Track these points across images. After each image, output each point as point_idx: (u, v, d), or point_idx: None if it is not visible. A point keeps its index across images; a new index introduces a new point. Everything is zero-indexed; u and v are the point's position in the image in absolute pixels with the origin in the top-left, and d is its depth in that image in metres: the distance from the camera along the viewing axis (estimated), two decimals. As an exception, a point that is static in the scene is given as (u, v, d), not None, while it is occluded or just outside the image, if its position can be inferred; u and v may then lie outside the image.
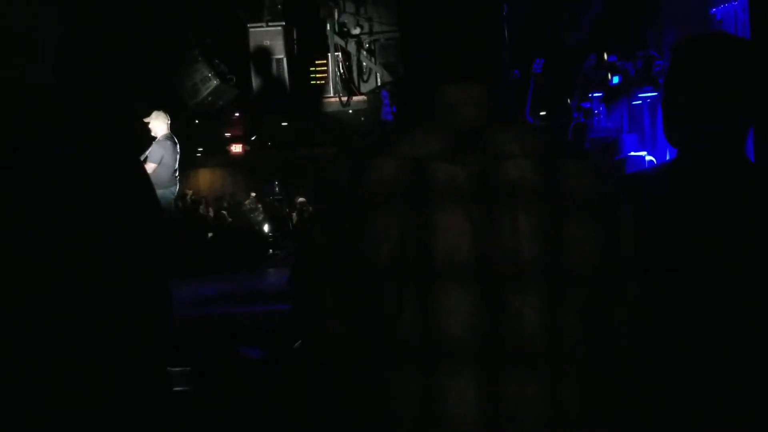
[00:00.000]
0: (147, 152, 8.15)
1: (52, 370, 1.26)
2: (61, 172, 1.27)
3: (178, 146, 8.51)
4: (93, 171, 1.30)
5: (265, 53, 10.13)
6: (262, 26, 10.17)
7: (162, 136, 8.36)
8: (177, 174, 8.56)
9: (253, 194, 15.66)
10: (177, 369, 3.95)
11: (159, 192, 7.09)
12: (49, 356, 1.26)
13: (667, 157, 6.46)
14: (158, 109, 8.58)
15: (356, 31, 10.55)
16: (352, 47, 10.64)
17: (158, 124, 8.38)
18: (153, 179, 6.44)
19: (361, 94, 10.69)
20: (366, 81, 10.74)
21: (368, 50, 10.64)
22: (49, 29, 1.38)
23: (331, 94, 10.65)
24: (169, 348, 1.47)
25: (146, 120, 8.41)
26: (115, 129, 1.36)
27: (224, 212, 14.19)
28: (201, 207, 14.59)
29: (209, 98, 10.34)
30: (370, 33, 10.58)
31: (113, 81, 8.42)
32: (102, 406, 1.31)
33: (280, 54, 10.19)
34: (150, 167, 7.94)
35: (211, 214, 14.43)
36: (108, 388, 1.31)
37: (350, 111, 10.94)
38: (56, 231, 1.25)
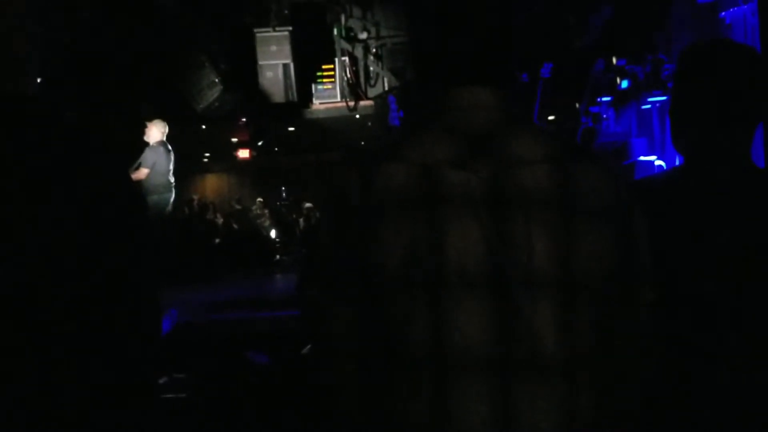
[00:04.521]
0: (141, 158, 8.30)
1: (35, 380, 1.25)
2: (29, 182, 1.26)
3: (171, 154, 8.66)
4: (70, 181, 1.28)
5: (271, 58, 10.14)
6: (268, 31, 10.17)
7: (155, 143, 8.51)
8: (173, 181, 8.66)
9: (260, 200, 15.69)
10: (184, 375, 3.95)
11: (153, 198, 7.25)
12: (32, 368, 1.25)
13: (677, 162, 6.44)
14: (162, 115, 8.69)
15: (363, 35, 10.55)
16: (359, 52, 10.64)
17: (154, 131, 8.54)
18: (147, 185, 6.52)
19: (369, 98, 10.69)
20: (373, 86, 10.73)
21: (375, 55, 10.64)
22: (33, 37, 1.37)
23: (338, 99, 10.65)
24: (157, 357, 1.46)
25: (148, 123, 8.55)
26: (100, 136, 1.35)
27: (231, 218, 14.23)
28: (209, 212, 14.61)
29: (216, 103, 10.37)
30: (377, 37, 10.58)
31: (118, 85, 8.47)
32: (87, 414, 1.30)
33: (286, 59, 10.19)
34: (143, 172, 8.18)
35: (219, 219, 14.45)
36: (92, 397, 1.30)
37: (357, 116, 10.94)
38: (35, 240, 1.24)
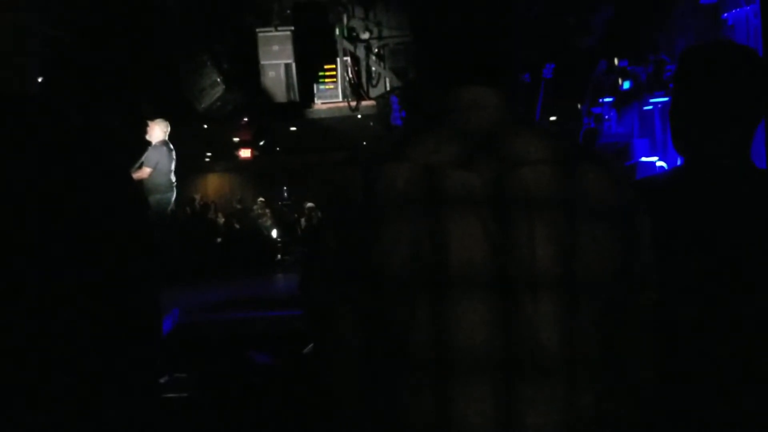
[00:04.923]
0: (143, 157, 8.32)
1: (36, 381, 1.25)
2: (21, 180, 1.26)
3: (173, 153, 8.69)
4: (71, 181, 1.29)
5: (274, 58, 10.15)
6: (270, 31, 10.18)
7: (157, 142, 8.55)
8: (174, 180, 8.68)
9: (261, 199, 15.69)
10: (185, 374, 3.95)
11: (156, 197, 7.29)
12: (33, 369, 1.25)
13: (678, 163, 6.44)
14: (163, 114, 8.71)
15: (365, 35, 10.56)
16: (361, 52, 10.65)
17: (156, 131, 8.56)
18: (149, 184, 6.55)
19: (370, 98, 10.70)
20: (375, 86, 10.74)
21: (377, 55, 10.65)
22: (33, 37, 1.37)
23: (340, 99, 10.66)
24: (158, 356, 1.46)
25: (150, 122, 8.58)
26: (101, 135, 1.36)
27: (232, 218, 14.23)
28: (210, 212, 14.62)
29: (218, 103, 10.38)
30: (379, 38, 10.59)
31: (119, 85, 8.49)
32: (88, 413, 1.30)
33: (288, 59, 10.20)
34: (146, 172, 8.20)
35: (220, 219, 14.46)
36: (93, 396, 1.30)
37: (359, 116, 10.95)
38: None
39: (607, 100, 9.40)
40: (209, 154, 19.55)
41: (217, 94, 10.23)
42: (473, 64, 1.28)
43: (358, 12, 10.59)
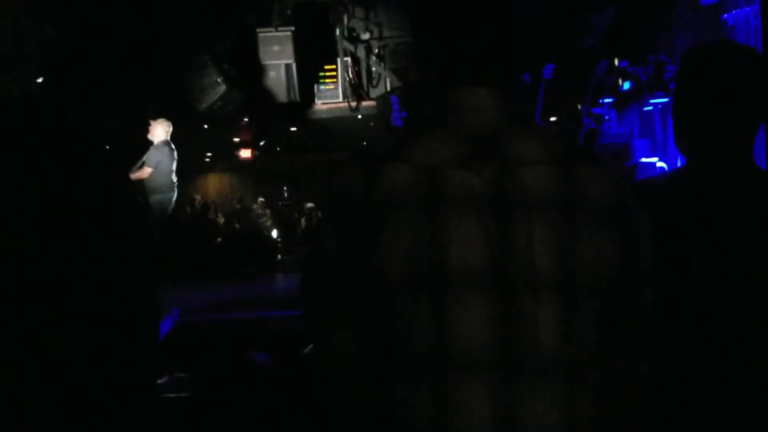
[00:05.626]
0: (144, 157, 8.35)
1: (36, 382, 1.25)
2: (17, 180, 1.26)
3: (175, 153, 8.72)
4: (70, 181, 1.29)
5: (274, 58, 10.14)
6: (271, 31, 10.17)
7: (159, 142, 8.57)
8: (176, 180, 8.69)
9: (262, 199, 15.69)
10: (185, 374, 3.95)
11: (157, 197, 7.35)
12: (32, 370, 1.25)
13: (678, 164, 6.44)
14: (164, 114, 8.74)
15: (366, 36, 10.55)
16: (361, 52, 10.64)
17: (158, 131, 8.60)
18: (151, 184, 6.60)
19: (371, 99, 10.69)
20: (375, 86, 10.73)
21: (378, 55, 10.63)
22: (32, 37, 1.37)
23: (341, 99, 10.65)
24: (156, 356, 1.46)
25: (152, 122, 8.61)
26: (101, 136, 1.36)
27: (232, 218, 14.24)
28: (210, 212, 14.62)
29: (218, 103, 10.36)
30: (380, 38, 10.58)
31: (119, 84, 8.49)
32: (87, 414, 1.30)
33: (289, 59, 10.19)
34: (147, 171, 8.25)
35: (220, 219, 14.46)
36: (93, 397, 1.30)
37: (359, 116, 10.94)
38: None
39: (607, 100, 9.41)
40: (209, 154, 19.55)
41: (218, 94, 10.21)
42: (473, 65, 1.29)
43: (359, 12, 10.58)
